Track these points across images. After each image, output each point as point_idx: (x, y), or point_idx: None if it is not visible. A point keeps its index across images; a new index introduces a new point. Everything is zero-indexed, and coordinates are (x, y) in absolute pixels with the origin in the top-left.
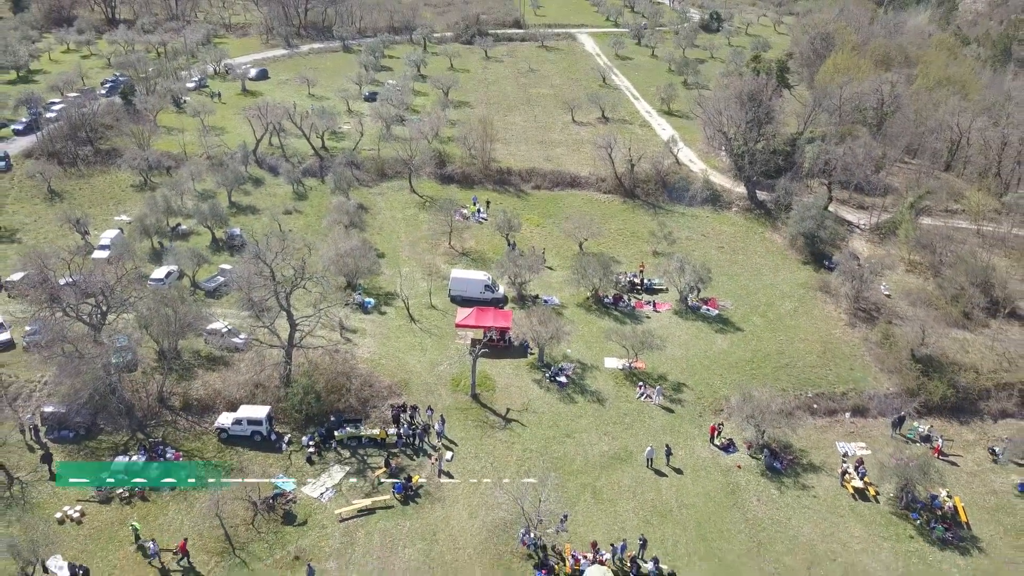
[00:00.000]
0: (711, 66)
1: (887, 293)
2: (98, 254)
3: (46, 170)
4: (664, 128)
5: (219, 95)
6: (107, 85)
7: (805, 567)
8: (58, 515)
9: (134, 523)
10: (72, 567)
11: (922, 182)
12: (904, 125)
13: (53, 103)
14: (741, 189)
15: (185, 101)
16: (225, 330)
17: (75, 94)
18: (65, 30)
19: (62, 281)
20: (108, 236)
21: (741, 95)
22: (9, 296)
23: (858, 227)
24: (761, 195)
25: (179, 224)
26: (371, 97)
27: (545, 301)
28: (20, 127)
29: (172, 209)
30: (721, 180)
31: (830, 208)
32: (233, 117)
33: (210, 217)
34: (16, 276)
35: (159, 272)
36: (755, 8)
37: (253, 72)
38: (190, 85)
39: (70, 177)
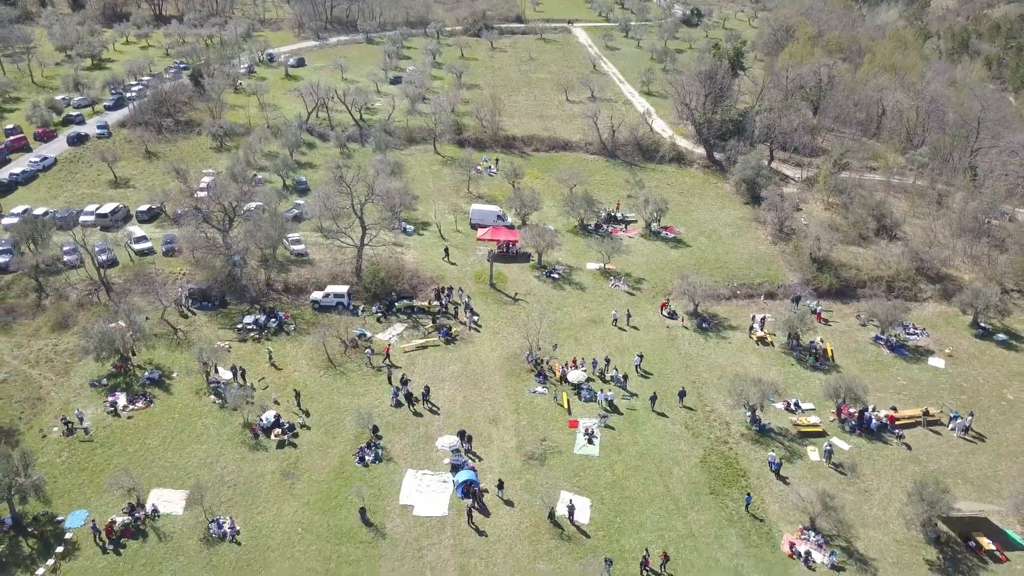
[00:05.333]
0: (689, 55)
1: (805, 223)
2: (199, 194)
3: (143, 135)
4: (643, 105)
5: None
6: (171, 71)
7: (716, 377)
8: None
9: (269, 347)
10: (233, 368)
11: (847, 146)
12: (838, 100)
13: (131, 85)
14: (701, 151)
15: (240, 84)
16: (294, 239)
17: (147, 78)
18: (123, 25)
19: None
20: (205, 181)
21: (701, 75)
22: (139, 221)
23: (793, 179)
24: (718, 156)
25: (256, 175)
26: (396, 80)
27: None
28: (110, 104)
29: (250, 163)
30: (685, 144)
31: (772, 166)
32: (282, 96)
33: (282, 167)
34: (143, 207)
35: (249, 206)
36: (733, 4)
37: (292, 60)
38: (242, 71)
39: (159, 142)
